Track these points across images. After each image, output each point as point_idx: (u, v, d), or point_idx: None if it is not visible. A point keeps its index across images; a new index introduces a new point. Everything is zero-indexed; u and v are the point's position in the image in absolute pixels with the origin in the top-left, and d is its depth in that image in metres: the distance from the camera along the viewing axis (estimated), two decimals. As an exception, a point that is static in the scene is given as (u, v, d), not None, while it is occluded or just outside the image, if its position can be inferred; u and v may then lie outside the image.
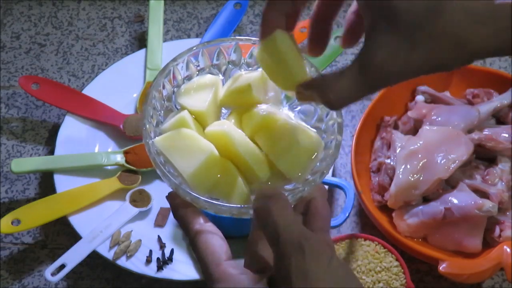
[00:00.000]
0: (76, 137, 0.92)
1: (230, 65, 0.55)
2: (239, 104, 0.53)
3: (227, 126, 0.50)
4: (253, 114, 0.52)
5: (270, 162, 0.51)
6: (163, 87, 0.53)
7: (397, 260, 0.78)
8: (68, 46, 1.05)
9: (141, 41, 1.05)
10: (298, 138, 0.51)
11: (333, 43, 0.95)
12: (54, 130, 0.96)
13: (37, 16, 1.09)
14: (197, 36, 1.05)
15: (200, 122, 0.52)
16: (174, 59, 0.53)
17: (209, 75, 0.54)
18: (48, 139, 0.96)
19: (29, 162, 0.89)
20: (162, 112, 0.53)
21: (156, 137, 0.51)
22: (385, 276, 0.77)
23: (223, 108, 0.54)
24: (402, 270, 0.77)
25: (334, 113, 0.52)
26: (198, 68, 0.54)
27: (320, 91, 0.46)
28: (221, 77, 0.55)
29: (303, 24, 1.00)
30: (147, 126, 0.51)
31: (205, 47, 0.54)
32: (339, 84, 0.45)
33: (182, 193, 0.49)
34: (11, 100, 1.00)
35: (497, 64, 1.01)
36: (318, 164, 0.51)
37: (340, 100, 0.45)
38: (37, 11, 1.09)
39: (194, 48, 0.53)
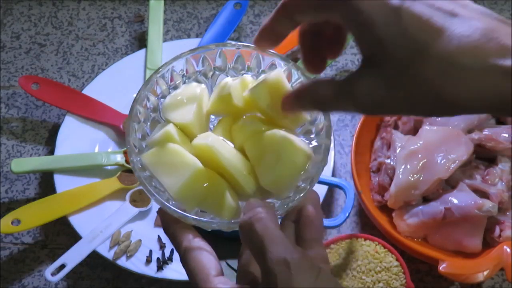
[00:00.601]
0: (76, 137, 0.92)
1: (216, 71, 0.54)
2: (226, 112, 0.52)
3: (211, 139, 0.49)
4: (241, 124, 0.51)
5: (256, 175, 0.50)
6: (148, 100, 0.52)
7: (397, 260, 0.78)
8: (68, 46, 1.05)
9: (141, 41, 1.05)
10: (285, 152, 0.48)
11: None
12: (54, 130, 0.96)
13: (37, 16, 1.09)
14: (197, 36, 1.05)
15: (187, 134, 0.51)
16: (157, 71, 0.52)
17: (194, 83, 0.53)
18: (48, 139, 0.96)
19: (29, 162, 0.89)
20: (148, 123, 0.52)
21: (143, 154, 0.49)
22: (385, 276, 0.77)
23: (214, 116, 0.53)
24: (402, 270, 0.77)
25: (322, 117, 0.50)
26: (184, 76, 0.53)
27: (313, 93, 0.45)
28: (203, 86, 0.53)
29: (303, 24, 1.00)
30: (132, 143, 0.50)
31: (190, 55, 0.52)
32: (331, 88, 0.44)
33: (169, 210, 0.48)
34: (11, 100, 1.00)
35: (497, 64, 1.01)
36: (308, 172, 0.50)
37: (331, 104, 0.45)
38: (37, 11, 1.09)
39: (179, 56, 0.52)
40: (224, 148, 0.49)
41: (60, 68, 1.03)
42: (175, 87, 0.53)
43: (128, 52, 1.04)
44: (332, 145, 0.89)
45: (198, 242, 0.48)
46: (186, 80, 0.53)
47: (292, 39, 1.06)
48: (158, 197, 0.48)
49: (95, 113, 0.94)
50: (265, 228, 0.43)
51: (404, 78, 0.40)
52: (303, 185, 0.49)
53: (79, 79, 1.02)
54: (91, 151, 0.92)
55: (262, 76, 0.51)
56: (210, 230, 0.49)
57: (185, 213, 0.47)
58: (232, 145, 0.51)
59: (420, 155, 0.80)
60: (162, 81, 0.52)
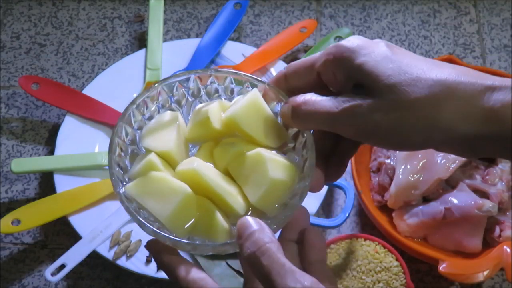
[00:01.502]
0: (76, 137, 0.92)
1: (189, 98, 0.54)
2: (205, 138, 0.52)
3: (197, 164, 0.48)
4: (223, 147, 0.51)
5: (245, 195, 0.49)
6: (125, 132, 0.51)
7: (397, 260, 0.78)
8: (68, 46, 1.05)
9: (141, 41, 1.05)
10: (272, 170, 0.48)
11: (333, 43, 0.95)
12: (54, 130, 0.96)
13: (37, 16, 1.09)
14: (197, 36, 1.05)
15: (169, 162, 0.50)
16: (133, 102, 0.51)
17: (168, 112, 0.53)
18: (48, 139, 0.96)
19: (29, 162, 0.89)
20: (128, 157, 0.52)
21: (127, 185, 0.49)
22: (385, 276, 0.77)
23: (190, 145, 0.53)
24: (402, 270, 0.77)
25: (304, 133, 0.50)
26: (157, 105, 0.53)
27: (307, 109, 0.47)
28: (179, 114, 0.53)
29: (303, 24, 1.00)
30: (115, 175, 0.49)
31: (162, 84, 0.52)
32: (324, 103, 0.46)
33: (162, 238, 0.47)
34: (11, 100, 1.00)
35: (497, 64, 1.01)
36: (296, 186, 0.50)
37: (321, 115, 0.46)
38: (37, 11, 1.09)
39: (151, 88, 0.52)
40: (210, 171, 0.49)
41: (60, 68, 1.03)
42: (150, 118, 0.53)
43: (128, 52, 1.04)
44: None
45: (198, 273, 0.48)
46: (160, 110, 0.53)
47: (292, 39, 1.06)
48: (150, 226, 0.47)
49: (95, 113, 0.94)
50: (271, 261, 0.42)
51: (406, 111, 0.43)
52: (292, 201, 0.49)
53: (79, 79, 1.02)
54: (91, 151, 0.92)
55: (238, 97, 0.52)
56: (205, 255, 0.48)
57: (180, 239, 0.47)
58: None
59: (420, 155, 0.80)
60: (137, 112, 0.52)
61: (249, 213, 0.49)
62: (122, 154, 0.51)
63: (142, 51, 1.00)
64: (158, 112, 0.53)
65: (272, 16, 1.07)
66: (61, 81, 1.02)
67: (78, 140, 0.92)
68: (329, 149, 0.51)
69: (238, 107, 0.50)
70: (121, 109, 0.94)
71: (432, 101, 0.42)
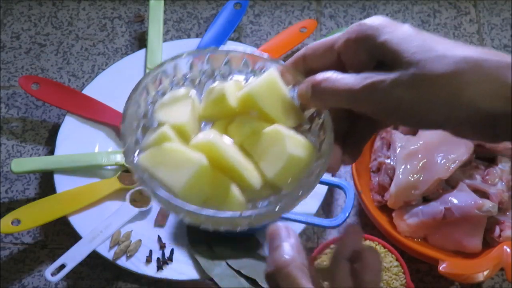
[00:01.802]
0: (76, 137, 0.92)
1: (203, 77, 0.53)
2: (218, 116, 0.51)
3: (213, 136, 0.48)
4: (239, 123, 0.50)
5: (261, 170, 0.49)
6: (138, 105, 0.51)
7: (397, 260, 0.78)
8: (68, 46, 1.05)
9: (141, 41, 1.05)
10: (291, 146, 0.48)
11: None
12: (54, 130, 0.96)
13: (37, 16, 1.09)
14: (197, 36, 1.05)
15: (182, 135, 0.49)
16: (147, 75, 0.51)
17: (182, 89, 0.52)
18: (48, 139, 0.96)
19: (29, 162, 0.89)
20: (140, 130, 0.51)
21: (140, 155, 0.48)
22: (385, 276, 0.77)
23: (203, 123, 0.52)
24: (402, 270, 0.77)
25: (322, 114, 0.50)
26: (171, 83, 0.53)
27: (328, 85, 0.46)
28: (193, 91, 0.52)
29: (303, 24, 1.00)
30: (128, 144, 0.48)
31: (178, 59, 0.52)
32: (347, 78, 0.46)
33: (175, 209, 0.45)
34: (11, 100, 1.00)
35: (497, 64, 1.01)
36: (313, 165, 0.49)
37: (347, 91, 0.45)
38: (37, 11, 1.09)
39: (166, 62, 0.52)
40: (226, 144, 0.48)
41: (60, 68, 1.03)
42: (163, 93, 0.52)
43: (128, 52, 1.04)
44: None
45: None
46: (174, 87, 0.53)
47: (292, 39, 1.06)
48: (163, 195, 0.45)
49: (95, 113, 0.94)
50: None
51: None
52: (309, 179, 0.48)
53: (79, 79, 1.02)
54: (91, 151, 0.92)
55: (253, 78, 0.52)
56: (220, 230, 0.47)
57: (198, 210, 0.45)
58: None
59: (420, 155, 0.80)
60: (152, 86, 0.52)
61: (263, 188, 0.49)
62: (135, 125, 0.50)
63: (142, 51, 1.00)
64: (170, 89, 0.52)
65: (272, 16, 1.07)
66: (61, 81, 1.02)
67: (78, 140, 0.92)
68: (345, 132, 0.50)
69: (256, 84, 0.49)
70: (121, 109, 0.94)
71: (456, 77, 0.41)
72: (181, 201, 0.45)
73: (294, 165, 0.48)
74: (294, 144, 0.48)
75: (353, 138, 0.50)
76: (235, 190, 0.47)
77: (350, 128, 0.50)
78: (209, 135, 0.48)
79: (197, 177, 0.46)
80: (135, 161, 0.48)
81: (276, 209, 0.46)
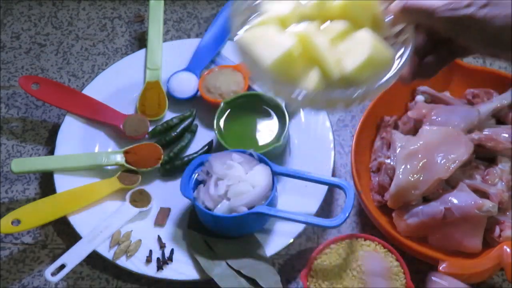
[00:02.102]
0: (76, 137, 0.92)
1: None
2: (317, 17, 0.59)
3: (308, 27, 0.57)
4: (333, 24, 0.58)
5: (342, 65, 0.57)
6: None
7: (397, 260, 0.78)
8: (68, 46, 1.05)
9: (141, 41, 1.05)
10: (372, 48, 0.56)
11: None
12: (54, 130, 0.96)
13: (37, 16, 1.09)
14: (197, 36, 1.05)
15: (282, 24, 0.58)
16: None
17: None
18: (48, 139, 0.96)
19: (29, 162, 0.89)
20: (246, 13, 0.60)
21: (243, 32, 0.58)
22: (385, 276, 0.77)
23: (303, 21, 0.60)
24: (402, 270, 0.77)
25: (407, 30, 0.58)
26: None
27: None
28: None
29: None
30: (235, 23, 0.58)
31: None
32: None
33: (264, 80, 0.56)
34: (11, 100, 1.00)
35: (497, 64, 1.01)
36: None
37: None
38: (37, 11, 1.09)
39: None
40: (318, 36, 0.56)
41: (60, 68, 1.03)
42: None
43: (128, 52, 1.04)
44: (332, 145, 0.89)
45: None
46: None
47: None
48: (255, 67, 0.55)
49: (95, 113, 0.94)
50: None
51: None
52: (383, 80, 0.56)
53: (79, 79, 1.02)
54: (91, 151, 0.92)
55: None
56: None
57: (282, 85, 0.55)
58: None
59: (420, 155, 0.80)
60: None
61: (340, 80, 0.56)
62: (243, 8, 0.59)
63: (142, 51, 1.00)
64: None
65: (272, 16, 1.07)
66: (61, 81, 1.02)
67: (78, 140, 0.92)
68: (425, 52, 0.59)
69: None
70: (121, 109, 0.95)
71: None
72: (270, 74, 0.55)
73: (372, 65, 0.56)
74: (377, 48, 0.56)
75: (431, 59, 0.59)
76: (316, 74, 0.56)
77: (430, 50, 0.59)
78: (305, 27, 0.57)
79: (286, 56, 0.55)
80: (238, 37, 0.57)
81: (355, 94, 0.55)
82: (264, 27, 0.57)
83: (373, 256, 0.78)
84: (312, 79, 0.56)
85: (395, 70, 0.56)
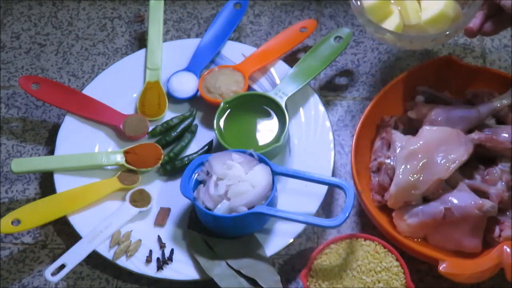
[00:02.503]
0: (76, 137, 0.92)
1: None
2: None
3: None
4: None
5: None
6: None
7: (397, 260, 0.78)
8: (68, 46, 1.05)
9: (141, 41, 1.05)
10: (446, 6, 0.84)
11: (333, 43, 0.95)
12: (54, 130, 0.96)
13: (37, 16, 1.09)
14: (197, 36, 1.05)
15: None
16: None
17: None
18: (48, 139, 0.96)
19: (29, 162, 0.89)
20: None
21: None
22: (385, 276, 0.77)
23: None
24: (402, 270, 0.77)
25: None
26: None
27: None
28: None
29: (303, 24, 1.00)
30: None
31: None
32: None
33: (366, 21, 0.84)
34: (11, 100, 1.00)
35: (497, 64, 1.01)
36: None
37: None
38: (37, 11, 1.09)
39: None
40: None
41: (60, 68, 1.03)
42: None
43: (128, 52, 1.04)
44: (332, 145, 0.89)
45: None
46: None
47: (292, 39, 1.06)
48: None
49: (95, 113, 0.94)
50: None
51: None
52: (449, 31, 0.83)
53: (79, 79, 1.02)
54: (91, 151, 0.92)
55: None
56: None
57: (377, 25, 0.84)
58: None
59: (420, 155, 0.80)
60: None
61: (417, 26, 0.87)
62: None
63: (142, 51, 1.00)
64: None
65: (272, 16, 1.07)
66: (61, 81, 1.02)
67: (78, 140, 0.92)
68: (489, 14, 0.80)
69: None
70: (121, 109, 0.95)
71: None
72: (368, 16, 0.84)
73: (442, 19, 0.84)
74: (448, 5, 0.84)
75: (497, 19, 0.80)
76: (397, 17, 0.86)
77: (493, 13, 0.80)
78: None
79: (379, 3, 0.86)
80: None
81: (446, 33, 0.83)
82: None
83: (373, 256, 0.78)
84: (394, 20, 0.86)
85: (462, 23, 0.80)
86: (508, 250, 0.74)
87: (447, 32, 0.83)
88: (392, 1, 0.89)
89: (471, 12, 0.80)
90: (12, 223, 0.82)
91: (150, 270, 0.81)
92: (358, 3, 0.86)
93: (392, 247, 0.78)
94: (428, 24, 0.86)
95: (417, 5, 0.87)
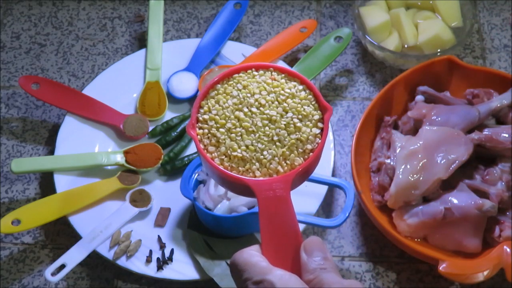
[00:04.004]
0: (76, 137, 0.92)
1: None
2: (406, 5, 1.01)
3: (398, 10, 0.98)
4: (416, 10, 1.00)
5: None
6: None
7: (301, 83, 0.64)
8: (68, 46, 1.05)
9: (141, 41, 1.05)
10: (439, 30, 0.96)
11: (333, 43, 0.95)
12: (54, 130, 0.96)
13: (37, 16, 1.09)
14: (197, 36, 1.05)
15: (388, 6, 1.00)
16: None
17: None
18: (48, 139, 0.96)
19: (29, 162, 0.89)
20: None
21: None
22: (293, 103, 0.63)
23: None
24: (311, 92, 0.64)
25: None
26: None
27: None
28: None
29: (303, 24, 1.00)
30: None
31: None
32: None
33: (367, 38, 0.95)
34: (11, 100, 1.00)
35: (497, 64, 1.01)
36: None
37: None
38: (37, 11, 1.09)
39: None
40: (404, 15, 0.99)
41: (60, 68, 1.03)
42: None
43: (128, 52, 1.04)
44: (332, 145, 0.89)
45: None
46: None
47: (292, 39, 1.06)
48: None
49: (95, 113, 0.94)
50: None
51: None
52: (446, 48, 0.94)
53: (79, 79, 1.02)
54: (91, 151, 0.92)
55: None
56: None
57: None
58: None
59: (420, 155, 0.80)
60: None
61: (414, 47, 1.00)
62: None
63: (142, 51, 1.00)
64: None
65: (272, 16, 1.07)
66: (61, 81, 1.02)
67: (78, 140, 0.92)
68: None
69: None
70: (121, 109, 0.95)
71: None
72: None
73: (437, 41, 0.96)
74: (442, 29, 0.96)
75: None
76: (396, 38, 0.98)
77: None
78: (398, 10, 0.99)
79: (383, 24, 0.98)
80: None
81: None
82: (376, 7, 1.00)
83: (271, 84, 0.64)
84: (393, 40, 0.97)
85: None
86: (508, 250, 0.74)
87: (438, 54, 0.94)
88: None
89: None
90: (12, 223, 0.82)
91: (150, 270, 0.81)
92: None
93: (290, 69, 0.65)
94: (424, 45, 0.96)
95: (414, 29, 0.98)
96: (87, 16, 1.09)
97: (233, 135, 0.61)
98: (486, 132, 0.82)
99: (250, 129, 0.62)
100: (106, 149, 0.92)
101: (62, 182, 0.88)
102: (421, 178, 0.79)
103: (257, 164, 0.61)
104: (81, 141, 0.92)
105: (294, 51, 1.02)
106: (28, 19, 1.08)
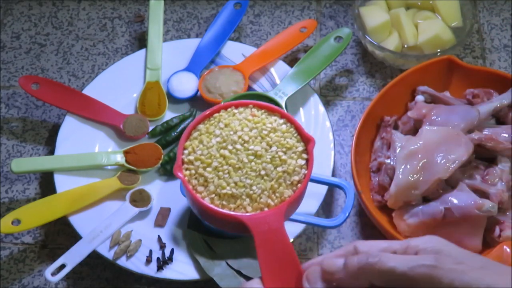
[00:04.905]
0: (76, 137, 0.92)
1: None
2: (406, 5, 1.01)
3: (401, 11, 0.99)
4: (415, 10, 1.01)
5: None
6: None
7: (281, 117, 0.67)
8: (68, 46, 1.05)
9: (141, 41, 1.05)
10: (439, 30, 0.96)
11: (333, 43, 0.95)
12: (54, 130, 0.96)
13: (37, 16, 1.09)
14: (197, 36, 1.05)
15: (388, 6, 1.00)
16: None
17: None
18: (48, 139, 0.96)
19: (29, 162, 0.89)
20: None
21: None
22: (275, 138, 0.66)
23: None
24: (292, 125, 0.67)
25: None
26: None
27: None
28: None
29: (303, 24, 1.00)
30: None
31: None
32: None
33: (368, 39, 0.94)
34: (11, 100, 1.00)
35: (497, 64, 1.01)
36: None
37: None
38: (37, 11, 1.09)
39: None
40: (404, 14, 0.99)
41: (60, 68, 1.03)
42: None
43: (128, 52, 1.04)
44: (332, 145, 0.89)
45: None
46: None
47: (292, 39, 1.06)
48: None
49: (95, 113, 0.94)
50: None
51: None
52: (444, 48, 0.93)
53: (79, 79, 1.02)
54: (91, 151, 0.92)
55: None
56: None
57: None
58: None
59: (420, 155, 0.80)
60: None
61: (414, 47, 0.99)
62: None
63: (142, 51, 1.00)
64: None
65: (272, 16, 1.07)
66: (61, 81, 1.02)
67: (78, 140, 0.92)
68: None
69: None
70: (121, 109, 0.95)
71: None
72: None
73: (437, 41, 0.95)
74: (442, 29, 0.95)
75: None
76: (396, 38, 0.97)
77: None
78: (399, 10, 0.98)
79: (383, 24, 0.97)
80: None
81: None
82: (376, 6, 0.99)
83: (252, 121, 0.67)
84: (393, 40, 0.96)
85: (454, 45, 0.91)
86: (508, 250, 0.74)
87: (438, 54, 0.94)
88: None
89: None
90: (12, 223, 0.82)
91: (150, 270, 0.81)
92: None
93: (269, 104, 0.68)
94: (424, 45, 0.97)
95: (414, 29, 0.98)
96: (87, 16, 1.09)
97: (220, 173, 0.63)
98: (486, 132, 0.82)
99: (237, 166, 0.64)
100: (106, 149, 0.92)
101: (62, 182, 0.88)
102: (421, 178, 0.79)
103: (247, 199, 0.62)
104: (81, 141, 0.92)
105: (294, 51, 1.02)
106: (28, 19, 1.08)
